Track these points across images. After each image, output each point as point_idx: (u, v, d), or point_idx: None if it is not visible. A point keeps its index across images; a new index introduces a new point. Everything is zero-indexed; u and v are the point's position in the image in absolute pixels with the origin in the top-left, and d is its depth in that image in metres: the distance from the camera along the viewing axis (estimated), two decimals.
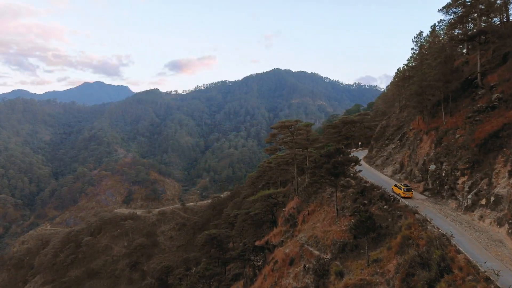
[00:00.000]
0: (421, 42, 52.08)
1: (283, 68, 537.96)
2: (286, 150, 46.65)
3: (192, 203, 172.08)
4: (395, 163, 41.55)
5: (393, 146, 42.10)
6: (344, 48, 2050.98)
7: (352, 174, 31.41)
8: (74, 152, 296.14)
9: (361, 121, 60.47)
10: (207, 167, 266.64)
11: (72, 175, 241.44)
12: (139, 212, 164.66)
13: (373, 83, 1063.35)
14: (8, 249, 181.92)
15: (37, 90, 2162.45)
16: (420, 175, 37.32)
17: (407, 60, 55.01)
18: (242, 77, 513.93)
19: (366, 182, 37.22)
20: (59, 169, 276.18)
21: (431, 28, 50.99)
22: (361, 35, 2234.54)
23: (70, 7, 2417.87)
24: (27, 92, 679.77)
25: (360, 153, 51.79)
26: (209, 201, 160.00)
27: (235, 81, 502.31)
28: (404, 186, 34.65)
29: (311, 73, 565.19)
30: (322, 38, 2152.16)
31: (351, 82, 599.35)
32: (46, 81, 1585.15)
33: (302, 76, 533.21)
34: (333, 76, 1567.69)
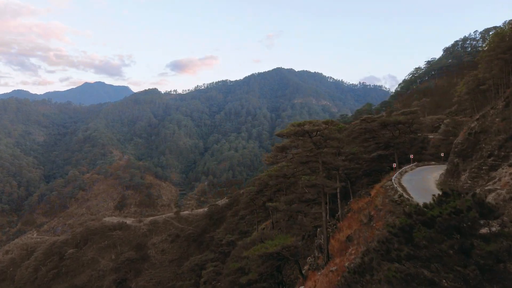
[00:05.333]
0: None
1: (285, 68, 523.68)
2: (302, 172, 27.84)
3: (187, 212, 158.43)
4: None
5: None
6: (347, 47, 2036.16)
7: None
8: (68, 154, 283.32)
9: (409, 122, 41.24)
10: (206, 170, 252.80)
11: (63, 179, 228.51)
12: (129, 221, 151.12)
13: (377, 83, 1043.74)
14: None
15: (39, 90, 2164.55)
16: None
17: None
18: (244, 76, 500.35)
19: None
20: (51, 172, 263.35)
21: None
22: (365, 35, 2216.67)
23: (71, 7, 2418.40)
24: (27, 92, 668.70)
25: (420, 174, 33.24)
26: (206, 209, 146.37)
27: (236, 81, 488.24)
28: None
29: (315, 72, 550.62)
30: (325, 38, 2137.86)
31: (355, 82, 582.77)
32: (48, 81, 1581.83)
33: (305, 75, 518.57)
34: (337, 76, 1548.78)
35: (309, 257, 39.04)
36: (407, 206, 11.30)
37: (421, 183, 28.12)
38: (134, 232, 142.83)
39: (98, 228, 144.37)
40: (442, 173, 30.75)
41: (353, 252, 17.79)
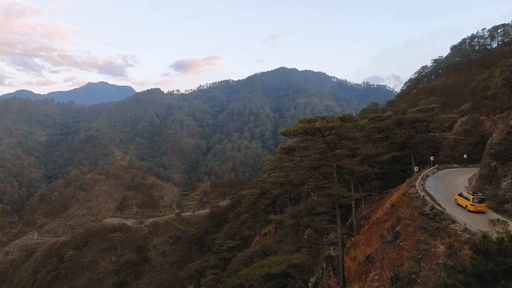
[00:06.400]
0: None
1: (289, 67, 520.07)
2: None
3: (188, 213, 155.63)
4: None
5: None
6: (351, 47, 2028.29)
7: None
8: (69, 154, 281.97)
9: (428, 121, 36.62)
10: (208, 171, 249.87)
11: (64, 179, 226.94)
12: (129, 222, 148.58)
13: (381, 83, 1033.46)
14: None
15: (42, 90, 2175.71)
16: None
17: None
18: (247, 76, 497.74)
19: None
20: (53, 172, 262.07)
21: None
22: (368, 34, 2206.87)
23: (74, 7, 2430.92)
24: (30, 92, 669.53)
25: (445, 179, 29.21)
26: (208, 210, 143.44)
27: (239, 80, 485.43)
28: (474, 195, 20.95)
29: (318, 72, 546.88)
30: (328, 37, 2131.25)
31: (359, 82, 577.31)
32: (52, 81, 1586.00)
33: (308, 75, 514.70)
34: (341, 76, 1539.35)
35: (316, 268, 35.20)
36: (479, 239, 7.82)
37: (450, 190, 24.60)
38: (134, 233, 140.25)
39: (99, 230, 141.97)
40: (470, 178, 27.25)
41: (376, 278, 14.48)
